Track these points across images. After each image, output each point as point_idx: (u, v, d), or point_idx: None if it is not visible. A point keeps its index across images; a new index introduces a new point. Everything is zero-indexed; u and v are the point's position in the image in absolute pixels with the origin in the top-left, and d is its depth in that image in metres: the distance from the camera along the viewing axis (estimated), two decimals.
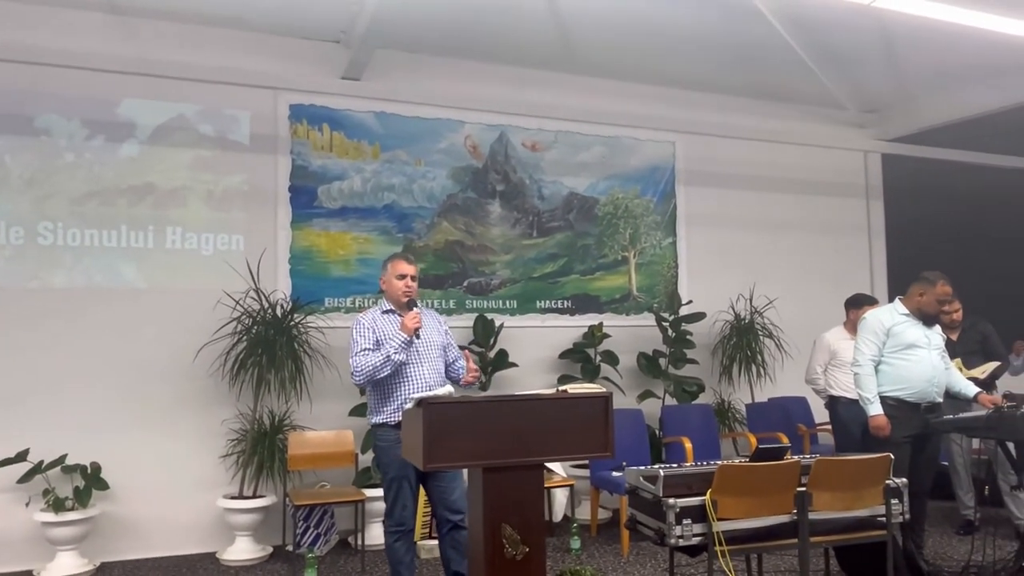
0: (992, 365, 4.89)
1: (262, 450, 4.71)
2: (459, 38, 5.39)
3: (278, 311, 4.79)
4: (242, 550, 4.60)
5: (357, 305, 5.33)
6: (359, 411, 5.03)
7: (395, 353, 3.32)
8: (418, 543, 4.72)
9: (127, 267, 4.86)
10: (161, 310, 4.82)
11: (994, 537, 4.22)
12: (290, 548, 4.55)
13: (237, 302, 4.74)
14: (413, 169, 5.58)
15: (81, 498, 4.36)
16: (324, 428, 4.91)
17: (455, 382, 3.57)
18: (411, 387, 3.34)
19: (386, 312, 3.50)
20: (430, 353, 3.46)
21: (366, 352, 3.36)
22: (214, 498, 4.68)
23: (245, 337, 4.69)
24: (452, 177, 5.70)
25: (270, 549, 4.71)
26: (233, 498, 4.65)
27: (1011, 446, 4.15)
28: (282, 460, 4.72)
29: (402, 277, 3.47)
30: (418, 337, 3.38)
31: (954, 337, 4.96)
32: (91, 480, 4.42)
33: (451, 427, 2.61)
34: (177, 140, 5.01)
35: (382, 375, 3.34)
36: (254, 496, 4.69)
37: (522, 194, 5.92)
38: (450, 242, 5.64)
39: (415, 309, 3.41)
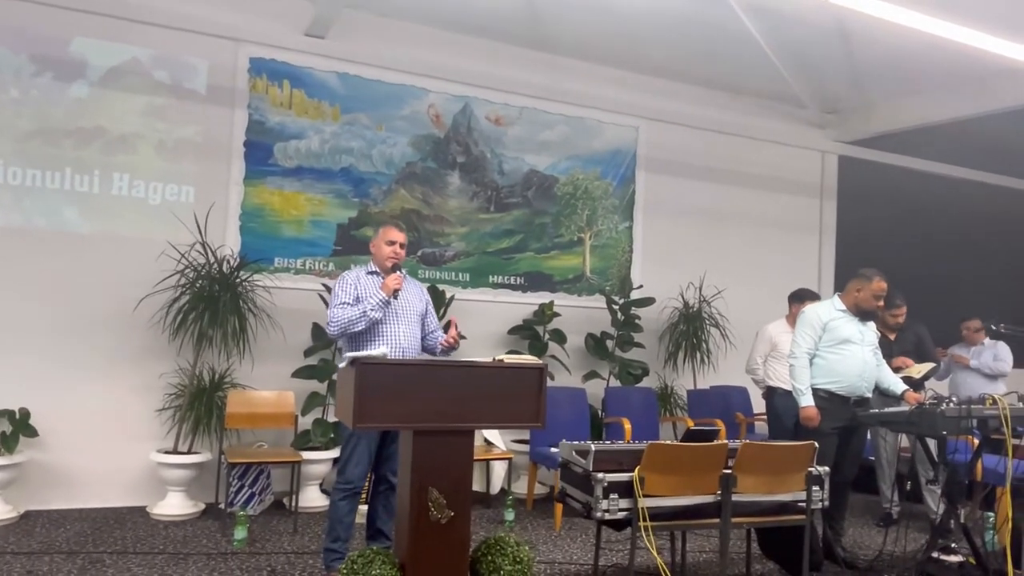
0: (927, 366, 5.07)
1: (200, 406, 4.65)
2: (430, 5, 5.32)
3: (224, 267, 4.71)
4: (173, 505, 4.56)
5: (307, 267, 5.28)
6: (302, 373, 5.01)
7: (372, 310, 3.41)
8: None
9: (69, 210, 4.73)
10: (103, 257, 4.70)
11: (908, 529, 4.41)
12: (223, 506, 4.52)
13: (183, 255, 4.64)
14: (373, 134, 5.51)
15: (7, 444, 4.27)
16: (265, 388, 4.86)
17: (430, 351, 3.65)
18: (384, 345, 3.42)
19: (371, 273, 3.60)
20: (408, 316, 3.55)
21: (344, 305, 3.45)
22: (147, 452, 4.62)
23: (188, 291, 4.61)
24: (412, 145, 5.65)
25: (202, 506, 4.68)
26: (167, 453, 4.60)
27: (931, 442, 4.32)
28: (220, 418, 4.67)
29: (391, 243, 3.58)
30: (396, 298, 3.47)
31: (892, 337, 5.13)
32: (19, 426, 4.33)
33: (384, 388, 2.62)
34: (130, 84, 4.86)
35: (356, 329, 3.42)
36: (189, 452, 4.64)
37: (482, 167, 5.90)
38: (406, 210, 5.61)
39: (398, 272, 3.50)
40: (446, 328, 3.59)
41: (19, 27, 4.58)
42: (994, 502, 4.84)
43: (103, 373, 4.66)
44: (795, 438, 3.94)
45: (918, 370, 4.96)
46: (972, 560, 3.98)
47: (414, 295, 3.63)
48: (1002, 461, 4.06)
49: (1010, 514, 3.39)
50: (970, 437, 4.40)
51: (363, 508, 4.59)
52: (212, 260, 4.68)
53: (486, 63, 5.76)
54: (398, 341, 3.47)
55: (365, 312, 3.39)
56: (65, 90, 4.72)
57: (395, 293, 3.44)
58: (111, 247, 4.74)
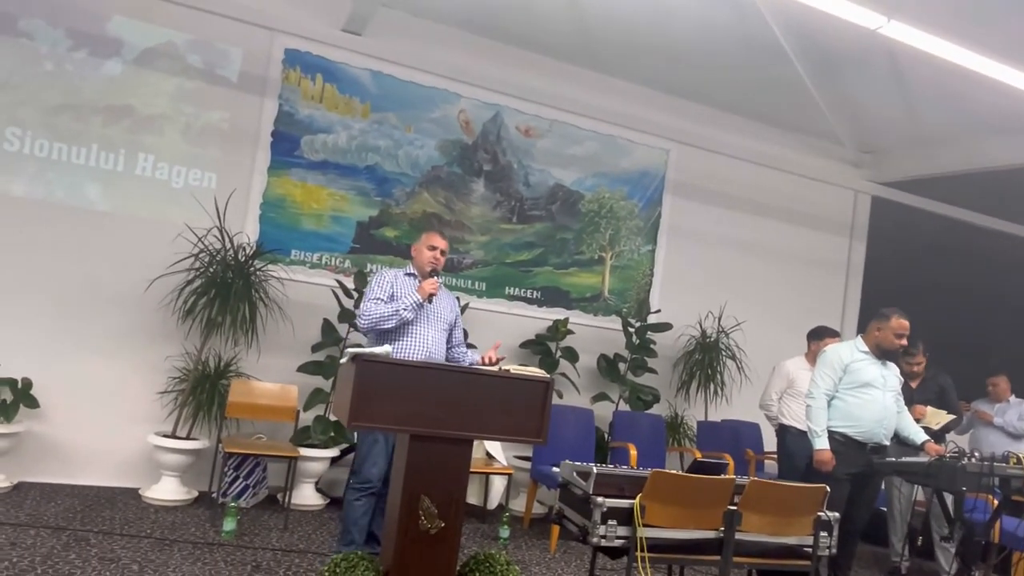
0: (948, 417, 4.91)
1: (202, 392, 4.60)
2: (469, 10, 5.29)
3: (240, 254, 4.67)
4: (166, 490, 4.50)
5: (323, 262, 5.23)
6: (308, 368, 4.95)
7: (404, 309, 3.44)
8: None
9: (92, 187, 4.72)
10: (120, 235, 4.69)
11: None
12: (215, 495, 4.45)
13: (199, 239, 4.61)
14: (401, 134, 5.47)
15: (7, 412, 4.24)
16: (270, 380, 4.80)
17: (453, 363, 3.62)
18: (413, 344, 3.46)
19: (408, 275, 3.66)
20: (438, 323, 3.60)
21: (378, 301, 3.49)
22: (145, 433, 4.57)
23: (201, 275, 4.57)
24: (440, 149, 5.60)
25: (195, 493, 4.61)
26: (165, 436, 4.54)
27: (948, 498, 4.15)
28: (221, 406, 4.61)
29: (432, 248, 3.64)
30: (430, 302, 3.51)
31: (914, 385, 4.97)
32: (20, 396, 4.30)
33: (383, 388, 2.54)
34: (163, 66, 4.87)
35: (385, 325, 3.44)
36: (187, 437, 4.59)
37: (508, 177, 5.83)
38: (428, 214, 5.55)
39: (435, 278, 3.54)
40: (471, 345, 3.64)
41: (59, 1, 4.61)
42: (1010, 567, 4.65)
43: (109, 350, 4.63)
44: (806, 480, 3.79)
45: (936, 421, 4.79)
46: None
47: (446, 305, 3.68)
48: (1022, 524, 3.88)
49: None
50: (990, 496, 4.23)
51: None
52: (228, 246, 4.64)
53: (520, 72, 5.72)
54: (426, 344, 3.50)
55: (398, 311, 3.43)
56: (99, 67, 4.73)
57: (429, 298, 3.49)
58: (129, 226, 4.72)
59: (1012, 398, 5.77)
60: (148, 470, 4.60)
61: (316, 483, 4.88)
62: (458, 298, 3.98)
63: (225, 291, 4.55)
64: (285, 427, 4.80)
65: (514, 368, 2.81)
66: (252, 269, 4.70)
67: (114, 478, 4.64)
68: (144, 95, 4.82)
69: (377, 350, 2.60)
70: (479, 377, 2.73)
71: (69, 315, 4.56)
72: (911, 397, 4.86)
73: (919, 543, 5.14)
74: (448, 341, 3.67)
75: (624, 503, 3.08)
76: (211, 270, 4.59)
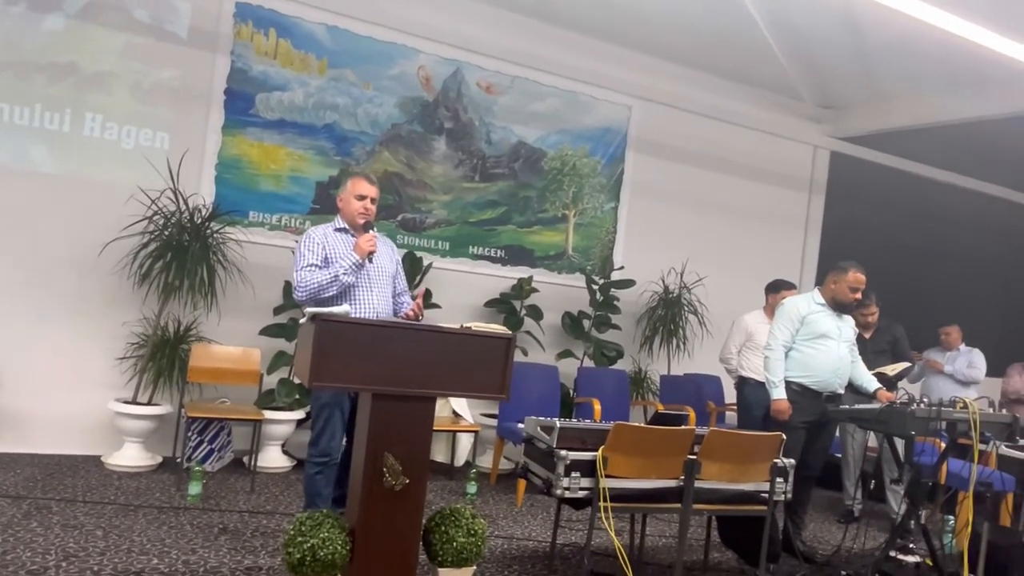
0: (902, 365, 5.05)
1: (162, 358, 4.53)
2: None
3: (196, 216, 4.57)
4: (129, 456, 4.46)
5: (283, 224, 5.15)
6: (270, 331, 4.90)
7: (344, 274, 3.17)
8: None
9: (37, 149, 4.55)
10: (69, 198, 4.55)
11: (868, 528, 4.40)
12: (180, 460, 4.42)
13: (153, 201, 4.50)
14: (360, 92, 5.36)
15: None
16: (231, 344, 4.75)
17: (394, 315, 3.42)
18: (358, 311, 3.21)
19: (339, 230, 3.35)
20: (381, 279, 3.33)
21: (312, 268, 3.19)
22: (106, 400, 4.50)
23: (156, 238, 4.47)
24: (400, 106, 5.50)
25: (159, 459, 4.58)
26: (126, 403, 4.48)
27: (898, 442, 4.30)
28: (182, 370, 4.56)
29: (361, 198, 3.31)
30: (371, 261, 3.23)
31: (867, 336, 5.10)
32: None
33: (344, 347, 2.52)
34: (107, 21, 4.67)
35: (327, 294, 3.17)
36: (148, 403, 4.53)
37: (470, 135, 5.77)
38: (388, 173, 5.47)
39: (371, 232, 3.25)
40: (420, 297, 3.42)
41: None
42: (955, 506, 4.86)
43: (64, 317, 4.53)
44: (764, 430, 3.90)
45: (892, 368, 4.94)
46: (929, 562, 3.98)
47: (386, 255, 3.40)
48: (966, 466, 4.05)
49: (971, 519, 3.38)
50: (937, 440, 4.39)
51: None
52: (183, 208, 4.54)
53: (481, 28, 5.61)
54: (372, 306, 3.27)
55: (337, 276, 3.15)
56: (39, 22, 4.53)
57: (369, 255, 3.20)
58: (79, 189, 4.58)
59: (962, 347, 5.97)
60: (110, 437, 4.54)
61: (282, 445, 4.88)
62: (421, 258, 3.88)
63: (182, 254, 4.46)
64: (249, 390, 4.77)
65: (475, 325, 2.81)
66: (209, 232, 4.61)
67: (75, 446, 4.58)
68: (89, 51, 4.64)
69: (336, 310, 2.58)
70: (440, 335, 2.72)
71: (20, 282, 4.44)
72: (865, 347, 4.99)
73: (871, 487, 5.35)
74: (393, 288, 3.44)
75: (587, 455, 3.15)
76: (166, 233, 4.49)
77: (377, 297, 3.31)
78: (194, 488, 3.98)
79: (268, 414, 4.59)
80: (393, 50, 5.45)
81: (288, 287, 4.99)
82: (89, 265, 4.51)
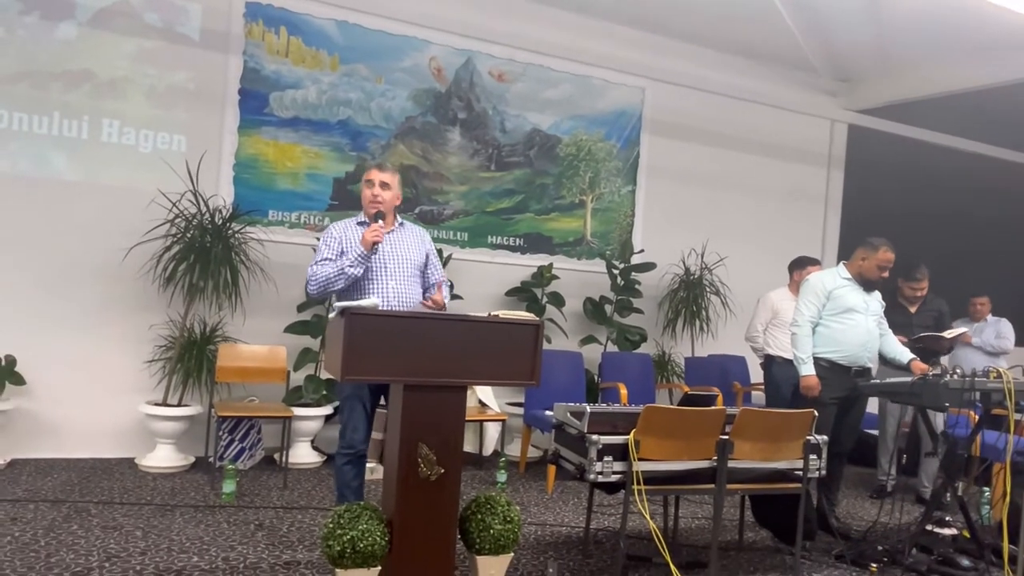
0: (959, 330, 5.00)
1: (190, 359, 4.58)
2: None
3: (216, 217, 4.59)
4: (162, 457, 4.51)
5: (302, 221, 5.17)
6: (295, 328, 4.93)
7: (350, 266, 3.13)
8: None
9: (57, 157, 4.60)
10: (91, 205, 4.59)
11: (903, 502, 4.37)
12: (212, 460, 4.47)
13: (173, 204, 4.53)
14: (372, 86, 5.35)
15: None
16: (257, 343, 4.78)
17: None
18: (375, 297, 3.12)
19: (361, 223, 3.31)
20: (401, 270, 3.23)
21: (325, 262, 3.19)
22: (136, 403, 4.55)
23: (179, 241, 4.50)
24: (413, 99, 5.49)
25: (192, 459, 4.63)
26: (157, 405, 4.53)
27: (932, 414, 4.26)
28: (210, 371, 4.59)
29: (369, 184, 3.24)
30: (374, 252, 3.15)
31: (913, 310, 5.04)
32: (5, 373, 4.26)
33: (374, 340, 2.53)
34: (120, 27, 4.69)
35: (335, 287, 3.16)
36: (179, 405, 4.58)
37: (484, 125, 5.75)
38: (405, 166, 5.46)
39: (380, 222, 3.17)
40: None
41: None
42: (990, 478, 4.81)
43: (91, 323, 4.58)
44: (793, 408, 3.87)
45: (950, 333, 4.87)
46: (966, 534, 3.94)
47: (410, 245, 3.29)
48: (1001, 437, 4.00)
49: (1008, 490, 3.34)
50: (971, 413, 4.35)
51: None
52: (204, 210, 4.56)
53: (490, 16, 5.58)
54: (387, 296, 3.19)
55: (343, 269, 3.12)
56: (52, 31, 4.56)
57: (374, 246, 3.11)
58: (100, 195, 4.62)
59: (989, 317, 5.89)
60: (142, 439, 4.60)
61: (312, 441, 4.92)
62: (440, 249, 3.80)
63: (205, 256, 4.48)
64: (276, 388, 4.80)
65: (503, 313, 2.81)
66: (230, 232, 4.63)
67: (109, 449, 4.64)
68: (103, 58, 4.66)
69: (364, 303, 2.58)
70: (469, 324, 2.73)
71: (47, 290, 4.49)
72: (910, 321, 4.94)
73: (903, 461, 5.31)
74: (424, 282, 3.35)
75: (618, 439, 3.14)
76: (188, 235, 4.52)
77: (393, 288, 3.21)
78: (228, 486, 4.02)
79: (296, 411, 4.62)
80: (404, 43, 5.43)
81: None
82: (113, 270, 4.55)
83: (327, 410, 4.88)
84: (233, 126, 4.96)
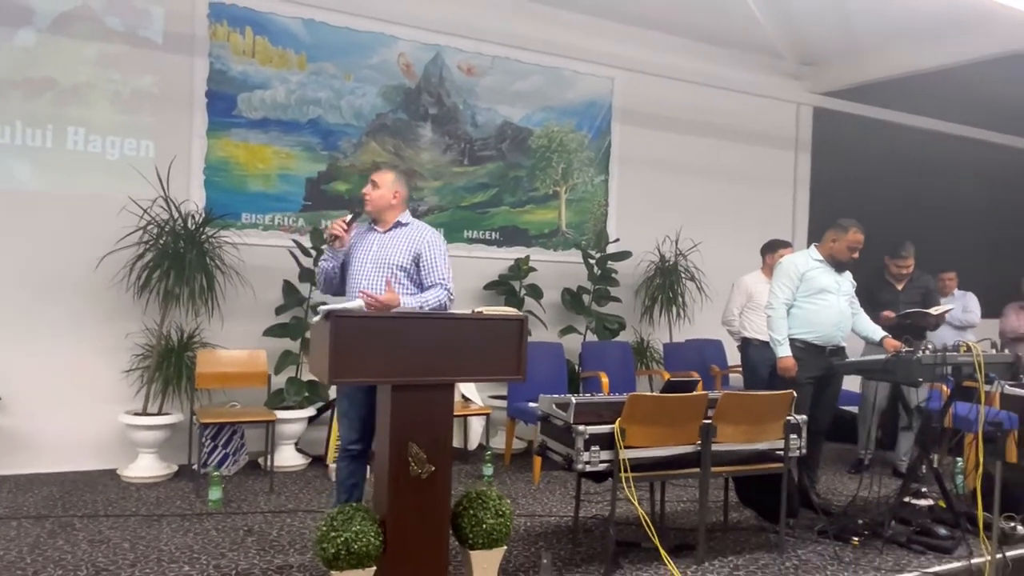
0: (945, 307, 5.10)
1: (168, 367, 4.53)
2: None
3: (189, 222, 4.54)
4: (145, 467, 4.46)
5: (276, 223, 5.13)
6: (274, 331, 4.90)
7: (323, 259, 3.33)
8: (331, 466, 4.69)
9: (21, 167, 4.50)
10: (59, 215, 4.50)
11: (881, 476, 4.49)
12: (196, 467, 4.43)
13: (145, 210, 4.46)
14: (341, 84, 5.31)
15: None
16: (236, 347, 4.75)
17: None
18: (350, 297, 3.19)
19: (371, 224, 3.38)
20: (377, 270, 3.18)
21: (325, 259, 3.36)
22: (116, 414, 4.50)
23: (152, 247, 4.44)
24: (383, 96, 5.46)
25: (175, 467, 4.58)
26: (136, 414, 4.48)
27: (906, 389, 4.38)
28: (190, 378, 4.55)
29: (368, 183, 3.33)
30: (333, 244, 3.20)
31: (900, 287, 5.13)
32: None
33: (360, 342, 2.54)
34: (80, 32, 4.60)
35: (321, 281, 3.38)
36: (159, 413, 4.53)
37: (455, 119, 5.74)
38: (378, 163, 5.43)
39: (345, 216, 3.24)
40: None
41: None
42: (963, 448, 4.96)
43: (66, 335, 4.51)
44: (769, 389, 3.95)
45: (936, 309, 4.98)
46: (942, 504, 4.07)
47: (397, 246, 3.21)
48: (973, 408, 4.12)
49: (980, 459, 3.45)
50: (943, 387, 4.47)
51: None
52: (176, 215, 4.51)
53: (458, 9, 5.56)
54: (355, 293, 3.12)
55: (322, 265, 3.34)
56: (10, 37, 4.45)
57: (335, 240, 3.16)
58: (69, 204, 4.53)
59: (956, 292, 6.03)
60: (123, 449, 4.54)
61: (296, 443, 4.90)
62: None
63: (179, 262, 4.43)
64: (258, 392, 4.77)
65: (486, 309, 2.83)
66: (204, 237, 4.58)
67: (89, 462, 4.57)
68: (64, 64, 4.57)
69: (349, 305, 2.58)
70: (453, 322, 2.75)
71: (19, 303, 4.41)
72: (897, 298, 5.03)
73: (879, 436, 5.44)
74: (413, 284, 3.20)
75: (604, 429, 3.19)
76: (161, 242, 4.46)
77: (366, 286, 3.14)
78: (214, 493, 4.00)
79: (279, 414, 4.60)
80: (371, 39, 5.40)
81: (288, 286, 4.99)
82: (86, 280, 4.49)
83: (310, 412, 4.86)
84: (202, 129, 4.89)
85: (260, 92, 5.06)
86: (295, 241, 4.95)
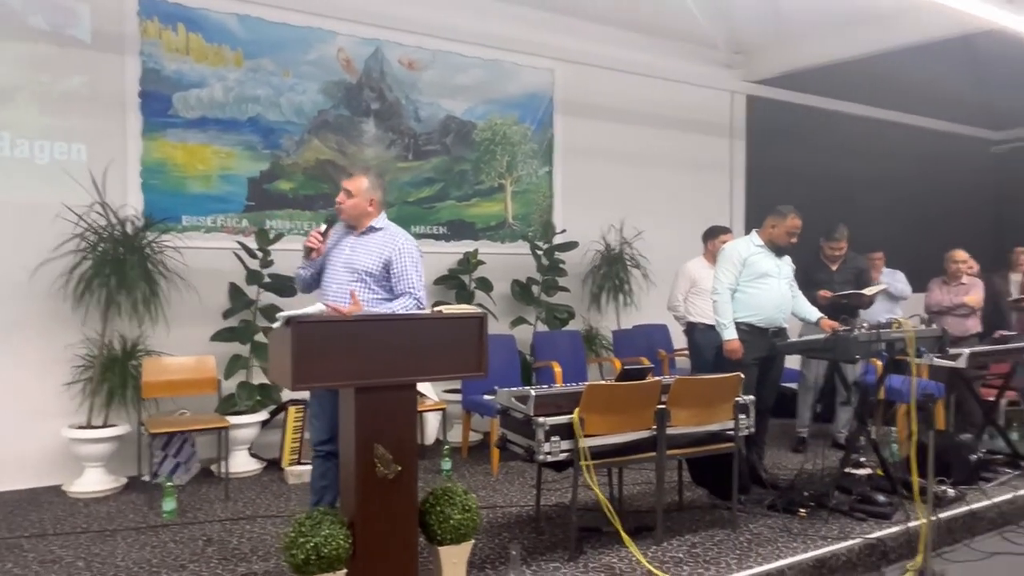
0: (878, 287, 5.35)
1: (112, 377, 4.39)
2: None
3: (128, 228, 4.40)
4: (92, 481, 4.33)
5: (219, 225, 5.01)
6: (222, 336, 4.81)
7: (300, 268, 3.36)
8: (286, 469, 4.65)
9: None
10: None
11: (823, 450, 4.71)
12: (146, 478, 4.32)
13: (80, 216, 4.31)
14: (280, 80, 5.21)
15: None
16: (184, 354, 4.63)
17: None
18: (321, 297, 3.25)
19: (348, 227, 3.39)
20: (346, 275, 3.21)
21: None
22: (58, 428, 4.34)
23: (90, 255, 4.29)
24: (323, 92, 5.38)
25: (124, 480, 4.46)
26: (80, 428, 4.34)
27: (844, 366, 4.60)
28: (136, 388, 4.43)
29: (341, 191, 3.32)
30: (310, 256, 3.24)
31: (834, 268, 5.35)
32: None
33: (322, 346, 2.54)
34: (1, 32, 4.38)
35: (300, 285, 3.41)
36: (104, 426, 4.40)
37: (398, 114, 5.71)
38: (321, 161, 5.38)
39: (323, 227, 3.24)
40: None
41: None
42: (895, 418, 5.24)
43: (1, 348, 4.32)
44: (715, 370, 4.10)
45: (870, 290, 5.21)
46: (880, 472, 4.30)
47: (369, 251, 3.23)
48: (905, 380, 4.36)
49: (914, 428, 3.67)
50: (876, 361, 4.70)
51: (299, 469, 4.53)
52: (114, 221, 4.37)
53: (396, 3, 5.51)
54: (325, 300, 3.14)
55: (298, 271, 3.36)
56: None
57: (310, 252, 3.20)
58: None
59: (885, 270, 6.33)
60: (68, 465, 4.39)
61: (250, 448, 4.83)
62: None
63: (120, 269, 4.30)
64: (208, 398, 4.68)
65: (446, 308, 2.86)
66: (144, 242, 4.45)
67: (32, 479, 4.41)
68: None
69: (309, 310, 2.57)
70: (413, 322, 2.76)
71: None
72: (832, 278, 5.25)
73: (818, 410, 5.70)
74: (384, 291, 3.23)
75: (564, 419, 3.26)
76: (100, 248, 4.31)
77: (336, 289, 3.19)
78: (168, 504, 3.91)
79: (232, 419, 4.52)
80: (309, 34, 5.31)
81: (234, 289, 4.89)
82: (21, 291, 4.31)
83: (263, 416, 4.80)
84: (136, 130, 4.73)
85: (196, 91, 4.93)
86: (240, 243, 4.85)
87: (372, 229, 3.30)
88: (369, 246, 3.27)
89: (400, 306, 3.12)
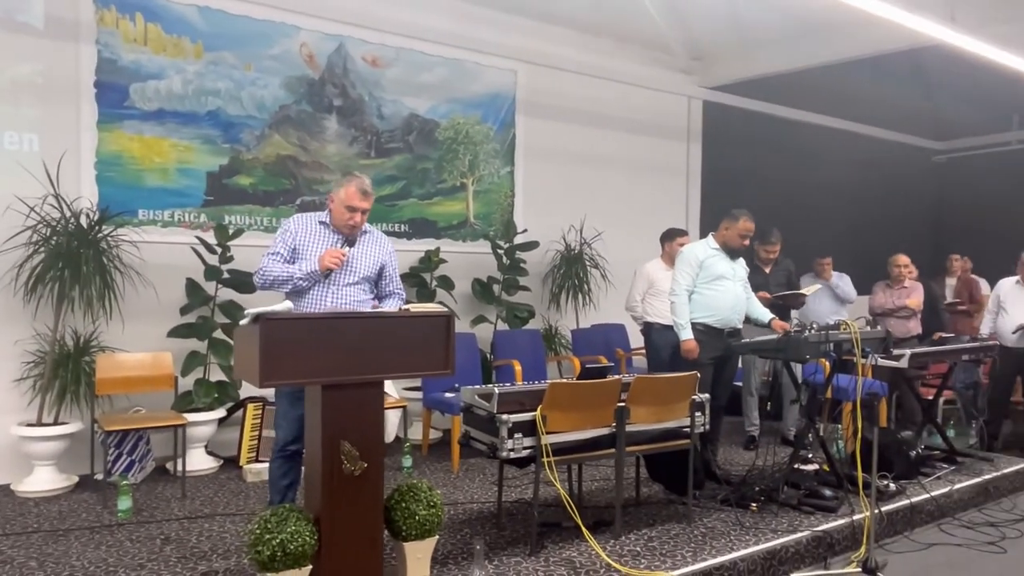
0: (816, 287, 5.58)
1: (65, 373, 4.29)
2: None
3: (83, 220, 4.31)
4: (42, 480, 4.22)
5: (176, 219, 4.93)
6: (179, 332, 4.73)
7: (300, 279, 3.21)
8: (244, 467, 4.61)
9: None
10: None
11: (774, 446, 4.87)
12: (100, 477, 4.24)
13: (32, 208, 4.20)
14: (241, 74, 5.15)
15: None
16: (140, 350, 4.55)
17: None
18: (310, 307, 3.21)
19: (324, 223, 3.34)
20: (345, 279, 3.27)
21: (276, 257, 3.25)
22: (7, 426, 4.23)
23: (43, 248, 4.18)
24: (285, 87, 5.34)
25: (75, 479, 4.36)
26: (30, 425, 4.23)
27: (795, 366, 4.77)
28: (89, 384, 4.34)
29: (352, 211, 3.27)
30: (325, 277, 3.24)
31: (767, 270, 5.55)
32: None
33: (289, 344, 2.54)
34: None
35: (282, 290, 3.25)
36: (55, 423, 4.30)
37: (361, 111, 5.69)
38: (282, 157, 5.33)
39: (348, 248, 3.25)
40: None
41: None
42: (841, 416, 5.45)
43: None
44: (671, 369, 4.22)
45: (809, 290, 5.44)
46: (826, 467, 4.48)
47: (366, 255, 3.33)
48: (851, 379, 4.54)
49: (860, 426, 3.83)
50: (823, 360, 4.88)
51: (258, 467, 4.49)
52: (68, 214, 4.26)
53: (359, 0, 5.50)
54: (325, 305, 3.22)
55: (292, 277, 3.19)
56: None
57: (327, 272, 3.21)
58: None
59: (834, 274, 6.55)
60: (17, 463, 4.28)
61: (206, 446, 4.77)
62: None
63: (73, 263, 4.20)
64: (164, 395, 4.61)
65: (413, 307, 2.89)
66: (99, 236, 4.36)
67: None
68: None
69: (277, 307, 2.57)
70: (381, 320, 2.78)
71: None
72: (767, 280, 5.45)
73: (768, 408, 5.88)
74: (379, 291, 3.42)
75: (527, 416, 3.32)
76: (53, 242, 4.21)
77: (332, 297, 3.25)
78: (124, 503, 3.85)
79: (189, 416, 4.46)
80: (271, 28, 5.25)
81: (192, 284, 4.82)
82: None
83: (220, 413, 4.75)
84: (91, 121, 4.63)
85: (154, 82, 4.84)
86: (198, 238, 4.79)
87: (364, 233, 3.40)
88: (365, 251, 3.37)
89: (391, 307, 3.21)
